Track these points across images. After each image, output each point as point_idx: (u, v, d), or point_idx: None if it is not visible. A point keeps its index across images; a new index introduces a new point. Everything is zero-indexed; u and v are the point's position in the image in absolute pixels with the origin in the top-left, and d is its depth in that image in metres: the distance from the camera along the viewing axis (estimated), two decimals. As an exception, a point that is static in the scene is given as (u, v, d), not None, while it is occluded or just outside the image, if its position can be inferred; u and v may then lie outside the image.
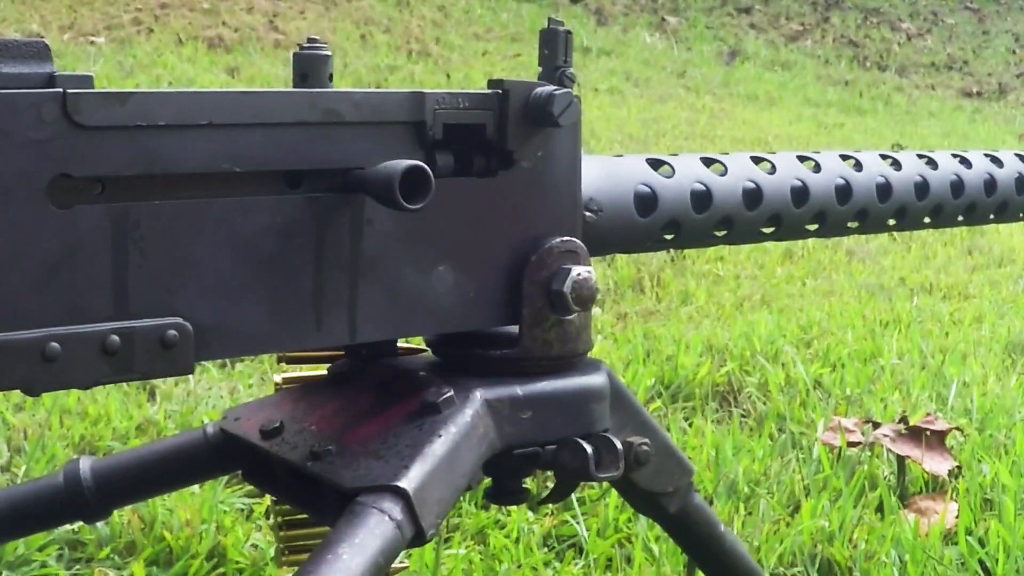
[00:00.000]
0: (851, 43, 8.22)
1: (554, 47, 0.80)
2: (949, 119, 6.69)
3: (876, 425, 1.59)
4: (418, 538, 0.68)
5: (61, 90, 0.61)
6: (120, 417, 1.53)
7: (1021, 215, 1.12)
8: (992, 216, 1.10)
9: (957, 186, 1.05)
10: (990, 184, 1.07)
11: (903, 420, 1.60)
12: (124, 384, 1.64)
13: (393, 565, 0.90)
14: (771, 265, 2.78)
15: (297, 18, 5.90)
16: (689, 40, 7.59)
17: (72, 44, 4.87)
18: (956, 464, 1.51)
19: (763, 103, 6.25)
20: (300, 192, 0.69)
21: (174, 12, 5.53)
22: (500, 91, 0.76)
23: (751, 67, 7.23)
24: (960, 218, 1.07)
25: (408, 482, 0.68)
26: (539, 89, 0.76)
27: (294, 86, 0.71)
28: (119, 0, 5.51)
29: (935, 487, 1.48)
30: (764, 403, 1.77)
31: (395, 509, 0.67)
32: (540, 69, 0.80)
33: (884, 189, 1.00)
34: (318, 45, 0.72)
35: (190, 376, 1.70)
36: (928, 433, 1.53)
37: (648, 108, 5.47)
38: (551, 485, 0.85)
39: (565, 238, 0.79)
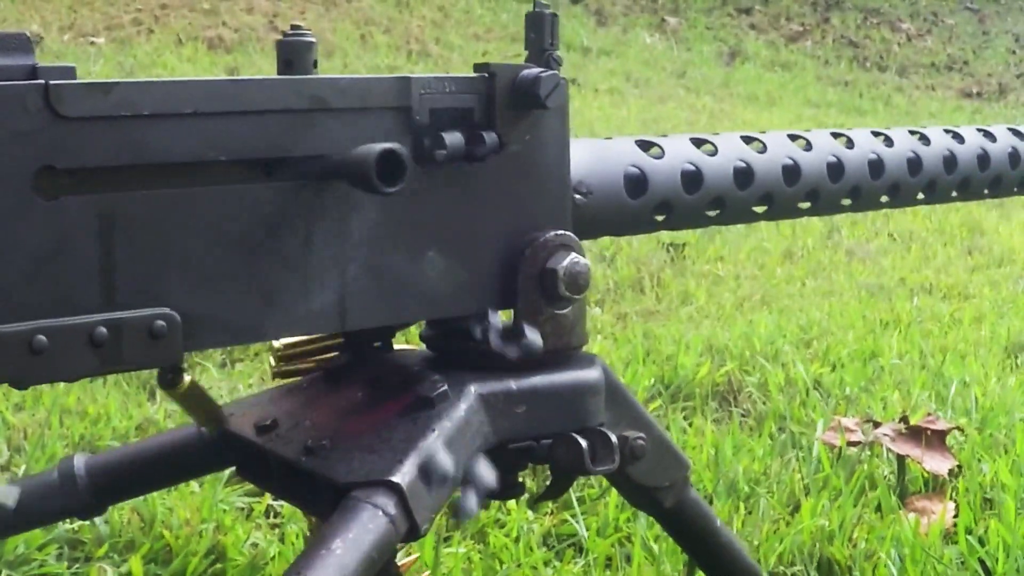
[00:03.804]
0: (851, 43, 8.22)
1: (540, 30, 0.80)
2: (949, 120, 6.68)
3: (876, 425, 1.59)
4: (412, 533, 0.68)
5: (43, 81, 0.61)
6: (120, 416, 1.52)
7: (1015, 189, 1.11)
8: (986, 191, 1.09)
9: (950, 161, 1.05)
10: (983, 159, 1.07)
11: (904, 420, 1.60)
12: (124, 383, 1.64)
13: (405, 560, 0.90)
14: (771, 265, 2.78)
15: (297, 18, 5.90)
16: (689, 40, 7.58)
17: (72, 44, 4.87)
18: (956, 463, 1.51)
19: (763, 103, 6.25)
20: (286, 179, 0.69)
21: (174, 12, 5.53)
22: (487, 74, 0.76)
23: (751, 67, 7.22)
24: (954, 193, 1.07)
25: (402, 477, 0.68)
26: (526, 71, 0.76)
27: (278, 73, 0.71)
28: (119, 0, 5.51)
29: (935, 486, 1.48)
30: (764, 403, 1.77)
31: (389, 504, 0.67)
32: (527, 52, 0.80)
33: (877, 166, 1.00)
34: (302, 32, 0.72)
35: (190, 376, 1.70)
36: (928, 433, 1.53)
37: (648, 108, 5.47)
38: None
39: (559, 231, 0.79)
